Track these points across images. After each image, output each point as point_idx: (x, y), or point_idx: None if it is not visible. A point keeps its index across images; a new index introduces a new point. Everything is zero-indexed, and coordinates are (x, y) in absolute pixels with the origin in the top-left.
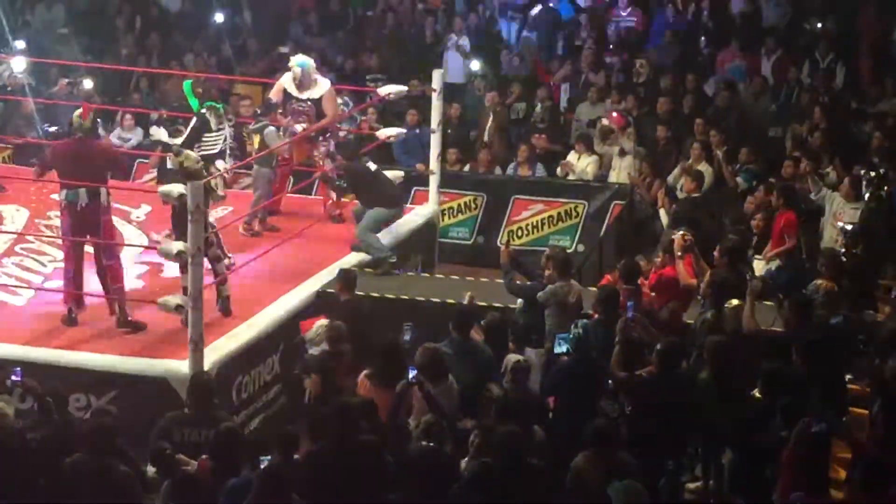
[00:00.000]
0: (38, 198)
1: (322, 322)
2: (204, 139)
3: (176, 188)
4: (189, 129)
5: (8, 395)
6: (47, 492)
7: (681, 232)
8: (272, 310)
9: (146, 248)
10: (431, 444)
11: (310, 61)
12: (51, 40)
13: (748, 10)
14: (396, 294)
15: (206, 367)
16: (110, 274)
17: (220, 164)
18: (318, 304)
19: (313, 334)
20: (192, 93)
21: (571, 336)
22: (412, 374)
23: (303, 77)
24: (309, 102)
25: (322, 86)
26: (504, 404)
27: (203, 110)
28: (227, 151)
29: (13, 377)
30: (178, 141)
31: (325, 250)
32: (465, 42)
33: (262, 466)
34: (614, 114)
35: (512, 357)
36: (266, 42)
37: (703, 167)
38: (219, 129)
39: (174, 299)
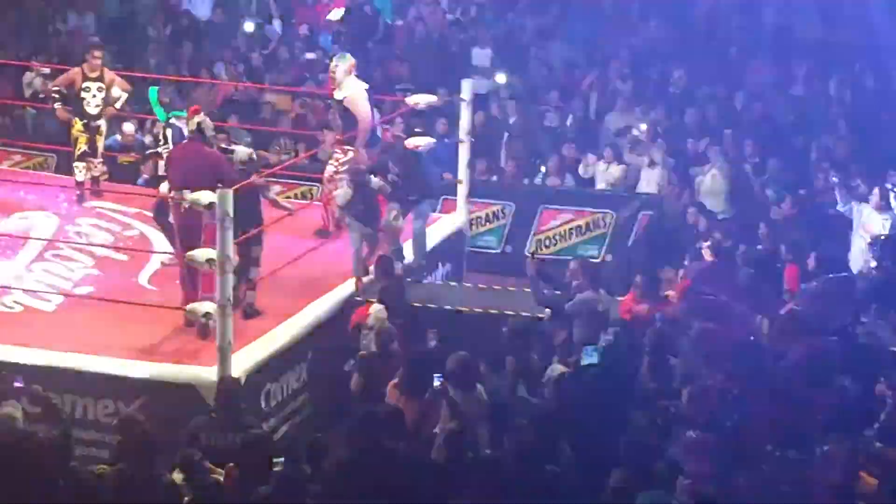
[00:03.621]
0: (67, 204)
1: (378, 307)
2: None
3: (205, 195)
4: (170, 137)
5: (16, 400)
6: (64, 493)
7: (708, 243)
8: (301, 317)
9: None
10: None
11: (340, 60)
12: (81, 48)
13: (779, 22)
14: (424, 302)
15: (234, 374)
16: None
17: None
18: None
19: (373, 320)
20: (158, 102)
21: (600, 347)
22: (438, 382)
23: (333, 76)
24: (336, 104)
25: (348, 88)
26: (544, 415)
27: (171, 119)
28: None
29: (16, 383)
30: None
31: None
32: (490, 52)
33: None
34: (643, 125)
35: (557, 367)
36: (295, 53)
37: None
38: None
39: (203, 307)
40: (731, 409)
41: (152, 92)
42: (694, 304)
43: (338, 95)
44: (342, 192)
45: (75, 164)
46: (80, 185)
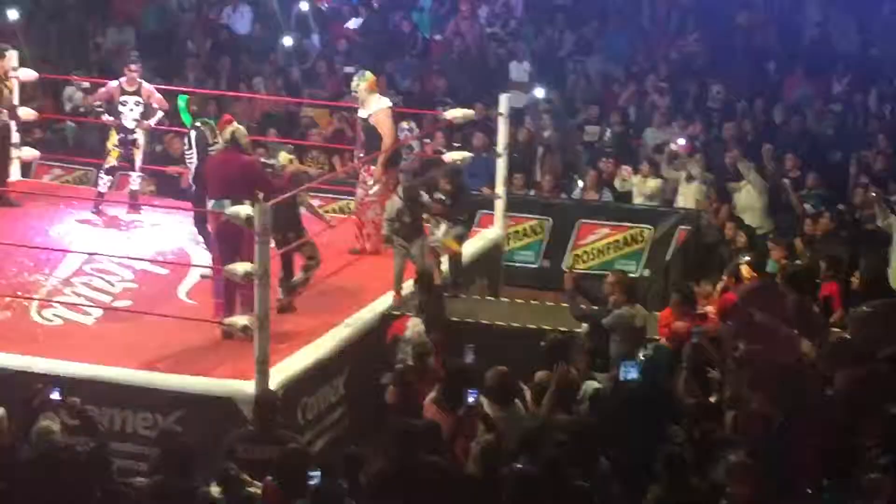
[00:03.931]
0: (107, 218)
1: (416, 320)
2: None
3: (244, 209)
4: (194, 142)
5: (54, 413)
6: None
7: (747, 258)
8: (338, 331)
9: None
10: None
11: (362, 77)
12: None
13: (817, 36)
14: (461, 317)
15: (271, 388)
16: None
17: None
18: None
19: (410, 333)
20: (187, 110)
21: (638, 361)
22: (472, 397)
23: (356, 94)
24: (362, 122)
25: (373, 104)
26: (579, 430)
27: (197, 124)
28: None
29: (53, 396)
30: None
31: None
32: (528, 66)
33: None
34: (681, 140)
35: (591, 384)
36: (334, 67)
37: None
38: (213, 143)
39: (241, 320)
40: (776, 434)
41: (181, 100)
42: (739, 324)
43: (363, 114)
44: (391, 204)
45: (100, 175)
46: (100, 195)
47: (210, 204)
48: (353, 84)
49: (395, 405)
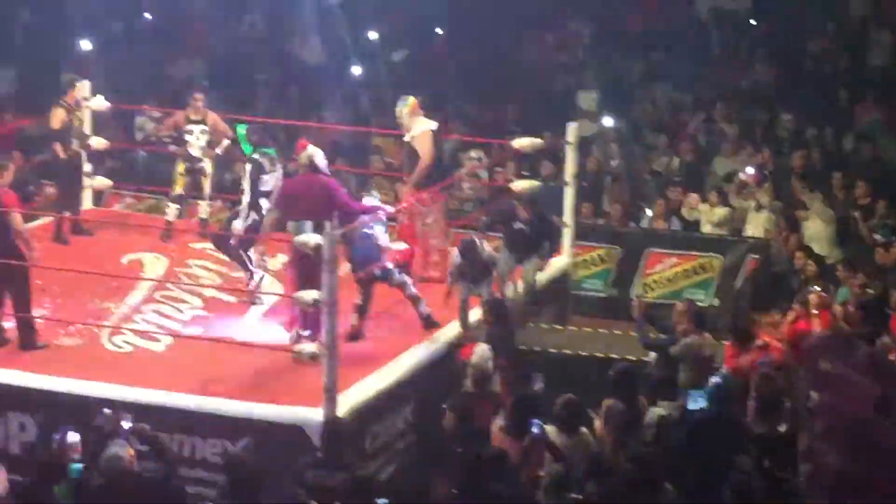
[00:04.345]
0: (177, 246)
1: (483, 347)
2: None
3: (312, 238)
4: (252, 170)
5: (124, 440)
6: None
7: (818, 288)
8: (407, 358)
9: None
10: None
11: (402, 103)
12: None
13: (886, 63)
14: (529, 345)
15: (340, 415)
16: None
17: (264, 201)
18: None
19: (477, 359)
20: (246, 139)
21: (706, 390)
22: (535, 425)
23: (400, 121)
24: (406, 145)
25: (417, 127)
26: (644, 458)
27: (255, 155)
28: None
29: (125, 423)
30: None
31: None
32: (596, 95)
33: None
34: (750, 169)
35: (656, 411)
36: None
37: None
38: (271, 172)
39: (309, 347)
40: (852, 488)
41: (240, 128)
42: (811, 374)
43: (407, 137)
44: (453, 262)
45: (168, 203)
46: (168, 224)
47: (290, 226)
48: (397, 110)
49: (453, 430)
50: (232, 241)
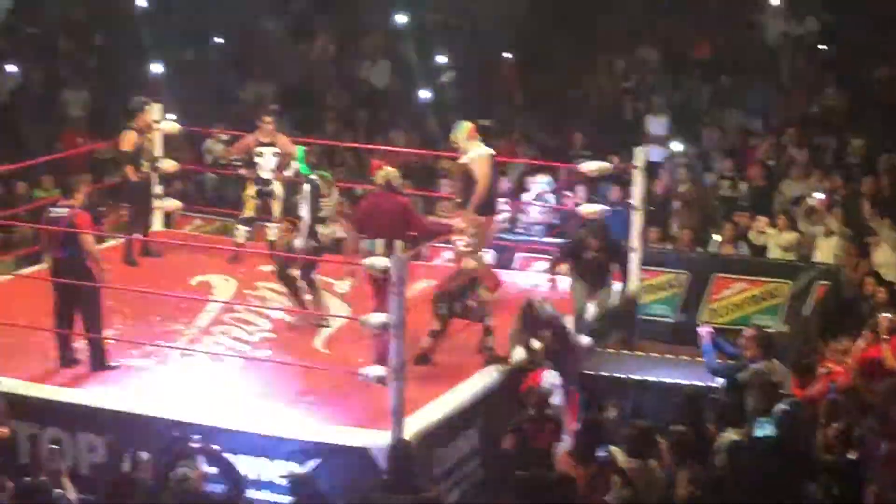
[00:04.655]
0: (246, 269)
1: (552, 373)
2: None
3: (380, 261)
4: (309, 192)
5: (193, 460)
6: None
7: (889, 315)
8: (474, 382)
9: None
10: None
11: (458, 128)
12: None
13: None
14: (596, 371)
15: (406, 438)
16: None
17: (320, 228)
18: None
19: (543, 383)
20: (305, 161)
21: (774, 417)
22: (603, 451)
23: (456, 145)
24: (460, 168)
25: (473, 151)
26: (714, 485)
27: (313, 176)
28: (331, 218)
29: (193, 444)
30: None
31: None
32: (665, 120)
33: None
34: (819, 194)
35: (727, 437)
36: (472, 118)
37: None
38: (328, 195)
39: (376, 370)
40: None
41: (299, 151)
42: (881, 422)
43: (462, 160)
44: (512, 327)
45: (237, 225)
46: (237, 246)
47: (364, 245)
48: (452, 136)
49: (513, 452)
50: (292, 265)
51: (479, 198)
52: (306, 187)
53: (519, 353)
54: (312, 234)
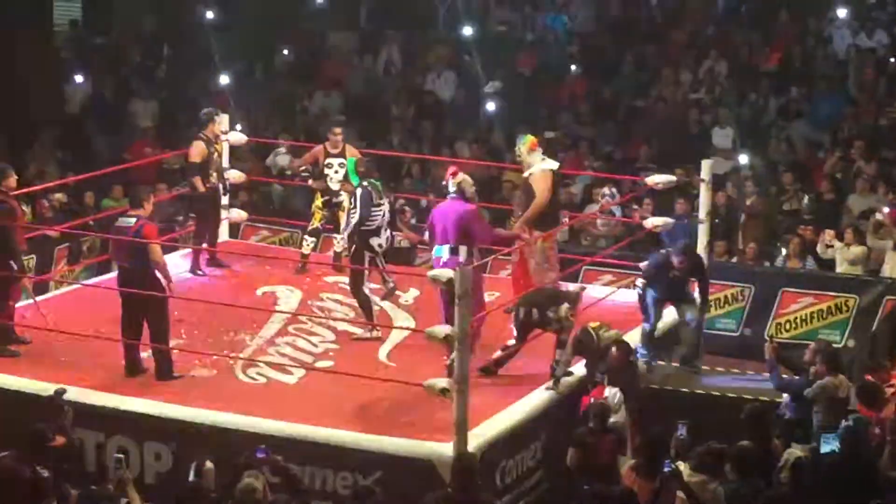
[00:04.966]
0: (311, 279)
1: (614, 389)
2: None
3: (444, 272)
4: (359, 201)
5: (258, 471)
6: None
7: None
8: (537, 395)
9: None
10: None
11: (523, 141)
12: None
13: None
14: (660, 385)
15: (470, 450)
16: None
17: (374, 240)
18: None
19: (612, 401)
20: (356, 170)
21: (840, 433)
22: (667, 467)
23: (519, 159)
24: (523, 181)
25: (535, 165)
26: (780, 500)
27: (364, 184)
28: (384, 227)
29: (259, 454)
30: (355, 214)
31: None
32: (731, 132)
33: None
34: (886, 209)
35: (794, 452)
36: (536, 131)
37: None
38: (378, 205)
39: (440, 382)
40: None
41: (350, 162)
42: None
43: (525, 174)
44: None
45: (305, 237)
46: (304, 257)
47: (434, 251)
48: (516, 149)
49: (576, 467)
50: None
51: (534, 213)
52: (359, 191)
53: (579, 370)
54: (365, 243)
